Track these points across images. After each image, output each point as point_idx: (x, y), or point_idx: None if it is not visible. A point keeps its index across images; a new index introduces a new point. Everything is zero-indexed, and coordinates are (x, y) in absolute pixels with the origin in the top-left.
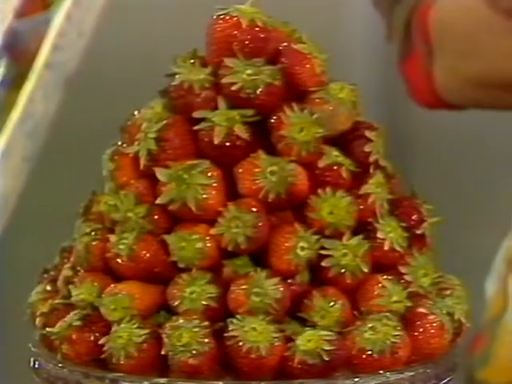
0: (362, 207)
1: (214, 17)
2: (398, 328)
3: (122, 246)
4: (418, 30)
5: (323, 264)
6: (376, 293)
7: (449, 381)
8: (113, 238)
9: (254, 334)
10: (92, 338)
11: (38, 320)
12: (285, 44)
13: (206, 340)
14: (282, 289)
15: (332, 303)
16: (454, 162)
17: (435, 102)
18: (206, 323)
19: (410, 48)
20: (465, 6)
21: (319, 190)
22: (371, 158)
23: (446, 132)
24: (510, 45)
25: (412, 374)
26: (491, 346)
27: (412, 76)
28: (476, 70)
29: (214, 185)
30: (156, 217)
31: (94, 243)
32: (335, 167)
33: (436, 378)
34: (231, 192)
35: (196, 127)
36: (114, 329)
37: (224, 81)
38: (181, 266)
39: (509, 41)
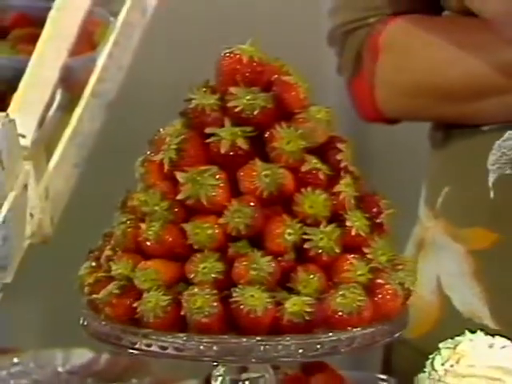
0: (335, 202)
1: (222, 54)
2: (363, 295)
3: (150, 232)
4: (368, 53)
5: (305, 246)
6: (346, 268)
7: (400, 334)
8: (143, 226)
9: (252, 300)
10: (128, 303)
11: (85, 289)
12: (276, 76)
13: (215, 304)
14: (273, 265)
15: (312, 276)
16: (399, 166)
17: (376, 116)
18: (215, 291)
19: (358, 70)
20: (405, 26)
21: (302, 189)
22: (342, 164)
23: (394, 144)
24: (441, 57)
25: (373, 329)
26: None
27: (358, 94)
28: (411, 81)
29: (221, 185)
30: (176, 210)
31: (128, 230)
32: (314, 171)
33: (391, 332)
34: (234, 190)
35: (207, 140)
36: (144, 295)
37: (229, 104)
38: (195, 247)
39: (441, 54)
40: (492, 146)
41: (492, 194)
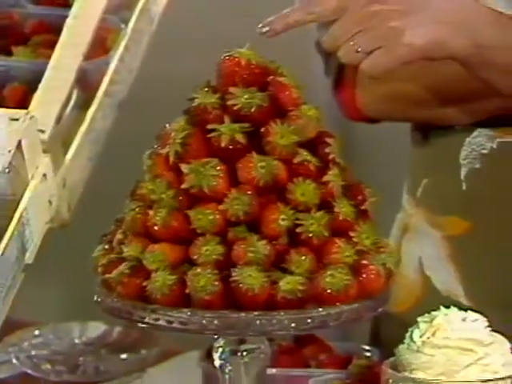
0: (324, 191)
1: (222, 57)
2: (349, 274)
3: (157, 218)
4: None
5: (297, 230)
6: (334, 250)
7: (382, 309)
8: (151, 212)
9: (249, 279)
10: (137, 282)
11: (99, 269)
12: (271, 77)
13: (216, 283)
14: (269, 248)
15: (304, 257)
16: (382, 158)
17: (358, 116)
18: (216, 271)
19: (341, 77)
20: None
21: (294, 179)
22: (330, 157)
23: (379, 139)
24: (411, 69)
25: (358, 305)
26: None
27: (342, 98)
28: (387, 89)
29: (221, 175)
30: (181, 198)
31: (138, 216)
32: (305, 163)
33: (374, 308)
34: (233, 180)
35: (209, 135)
36: (152, 275)
37: (228, 103)
38: (198, 231)
39: (411, 65)
40: (463, 142)
41: (464, 186)
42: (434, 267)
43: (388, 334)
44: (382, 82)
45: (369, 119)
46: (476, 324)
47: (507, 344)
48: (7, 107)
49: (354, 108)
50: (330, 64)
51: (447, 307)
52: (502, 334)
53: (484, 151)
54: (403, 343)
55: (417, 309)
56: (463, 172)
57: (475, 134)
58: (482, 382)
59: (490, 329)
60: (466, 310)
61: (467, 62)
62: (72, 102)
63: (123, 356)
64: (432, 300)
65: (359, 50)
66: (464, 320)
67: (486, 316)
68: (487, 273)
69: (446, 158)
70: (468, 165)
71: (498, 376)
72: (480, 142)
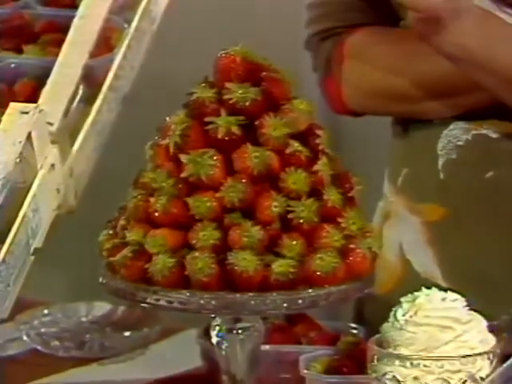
0: (313, 179)
1: (219, 55)
2: (337, 258)
3: (158, 205)
4: (335, 59)
5: (289, 216)
6: (323, 235)
7: (368, 290)
8: (152, 199)
9: (244, 262)
10: (140, 264)
11: (104, 253)
12: (265, 73)
13: (213, 266)
14: (262, 233)
15: (295, 242)
16: (366, 149)
17: (344, 110)
18: (213, 255)
19: (328, 73)
20: (365, 37)
21: (286, 168)
22: (320, 148)
23: (364, 131)
24: (392, 65)
25: (346, 287)
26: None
27: (329, 92)
28: (370, 84)
29: (218, 165)
30: (180, 186)
31: (140, 203)
32: (297, 153)
33: (361, 289)
34: (229, 169)
35: (206, 127)
36: (154, 258)
37: (225, 97)
38: (196, 218)
39: (392, 61)
40: (440, 134)
41: (441, 175)
42: (414, 251)
43: (371, 313)
44: (365, 77)
45: (354, 112)
46: (455, 303)
47: (483, 322)
48: (18, 101)
49: (340, 102)
50: (318, 60)
51: (428, 288)
52: (479, 313)
53: (460, 143)
54: (388, 322)
55: (398, 290)
56: (440, 162)
57: (451, 126)
58: (461, 357)
59: (467, 308)
60: (445, 291)
61: (455, 59)
62: (78, 97)
63: (127, 333)
64: (412, 282)
65: None
66: (444, 300)
67: (463, 296)
68: (463, 256)
69: (425, 149)
70: (445, 155)
71: (475, 352)
72: (456, 134)
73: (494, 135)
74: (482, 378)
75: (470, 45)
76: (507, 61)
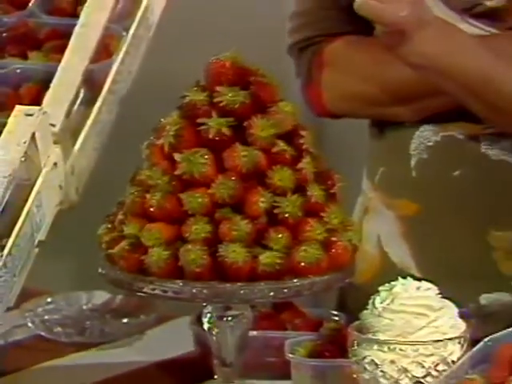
0: (298, 177)
1: (210, 60)
2: (320, 250)
3: (153, 201)
4: (316, 66)
5: (275, 211)
6: (307, 229)
7: (349, 280)
8: (148, 195)
9: (234, 254)
10: (136, 256)
11: (103, 245)
12: (253, 77)
13: (205, 257)
14: (250, 226)
15: (281, 235)
16: (347, 149)
17: (325, 113)
18: (205, 247)
19: (310, 79)
20: (342, 46)
21: (273, 166)
22: (304, 147)
23: (345, 132)
24: (365, 72)
25: (328, 277)
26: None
27: (310, 97)
28: (347, 90)
29: (209, 163)
30: (174, 183)
31: (137, 199)
32: (282, 152)
33: (342, 279)
34: (220, 167)
35: (198, 128)
36: (149, 251)
37: (215, 100)
38: (189, 212)
39: (366, 69)
40: (412, 136)
41: (414, 174)
42: (390, 244)
43: (352, 301)
44: (342, 83)
45: (333, 115)
46: (428, 292)
47: (454, 309)
48: (23, 104)
49: (320, 106)
50: (300, 67)
51: (404, 278)
52: (450, 300)
53: (430, 144)
54: (367, 309)
55: (376, 280)
56: (413, 161)
57: (422, 129)
58: (434, 342)
59: (439, 296)
60: (419, 281)
61: (419, 68)
62: (79, 99)
63: (125, 320)
64: (389, 272)
65: None
66: (418, 289)
67: (435, 285)
68: (434, 248)
69: (398, 149)
70: (417, 155)
71: (446, 337)
72: (426, 135)
73: (460, 136)
74: (453, 361)
75: (432, 54)
76: (466, 68)
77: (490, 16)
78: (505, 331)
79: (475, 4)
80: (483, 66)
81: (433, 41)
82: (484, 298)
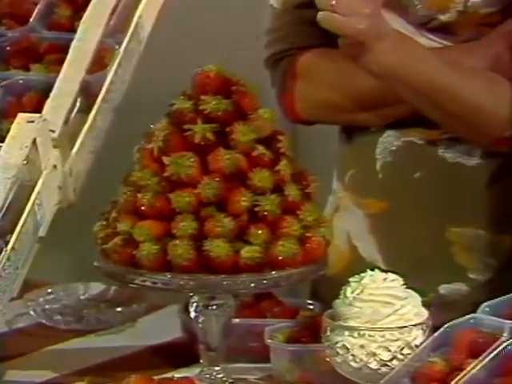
0: (276, 178)
1: (196, 71)
2: (296, 244)
3: (144, 200)
4: (289, 77)
5: (255, 209)
6: (284, 225)
7: (322, 272)
8: (140, 195)
9: (218, 248)
10: (129, 251)
11: (98, 241)
12: (235, 87)
13: (191, 252)
14: (233, 223)
15: (260, 231)
16: (319, 153)
17: (298, 120)
18: (192, 243)
19: (284, 88)
20: (312, 58)
21: (253, 168)
22: (281, 150)
23: (318, 137)
24: (334, 81)
25: (304, 269)
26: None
27: (285, 105)
28: (317, 98)
29: (195, 166)
30: (163, 183)
31: (129, 198)
32: (262, 156)
33: (316, 271)
34: (205, 169)
35: (185, 134)
36: (140, 246)
37: (200, 108)
38: (177, 211)
39: (333, 78)
40: (377, 141)
41: (380, 175)
42: (359, 239)
43: (324, 291)
44: (313, 92)
45: (306, 122)
46: (394, 283)
47: (418, 298)
48: (25, 112)
49: (294, 113)
50: (275, 78)
51: (372, 270)
52: (414, 290)
53: (393, 148)
54: (339, 298)
55: (346, 272)
56: (378, 164)
57: (386, 134)
58: (399, 328)
59: (404, 287)
60: (386, 272)
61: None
62: (77, 108)
63: (118, 309)
64: (358, 265)
65: None
66: (385, 280)
67: (400, 277)
68: (399, 243)
69: (365, 153)
70: (382, 159)
71: (411, 323)
72: (390, 140)
73: (420, 141)
74: (416, 346)
75: (389, 63)
76: (422, 77)
77: (444, 30)
78: (462, 318)
79: (431, 19)
80: (437, 75)
81: (390, 51)
82: (443, 288)
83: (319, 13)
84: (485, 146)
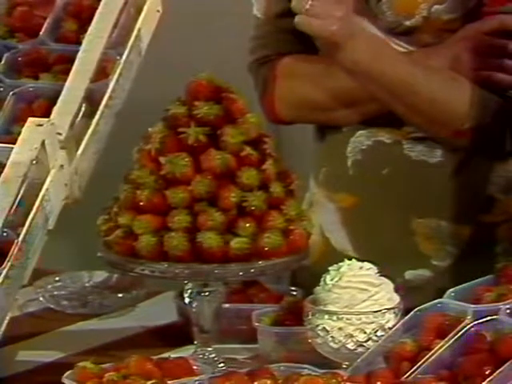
0: (263, 176)
1: (190, 80)
2: (281, 236)
3: (143, 196)
4: (270, 80)
5: (243, 204)
6: (270, 219)
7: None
8: (138, 192)
9: (210, 240)
10: (129, 242)
11: (101, 233)
12: (225, 93)
13: (186, 243)
14: (223, 217)
15: (248, 224)
16: (299, 152)
17: (278, 120)
18: (186, 234)
19: (265, 91)
20: (291, 62)
21: (242, 167)
22: (267, 151)
23: (299, 138)
24: (311, 83)
25: (288, 259)
26: None
27: (266, 106)
28: (296, 99)
29: (189, 165)
30: (160, 181)
31: (129, 195)
32: (249, 156)
33: (299, 261)
34: (198, 168)
35: (180, 136)
36: (139, 238)
37: (194, 113)
38: (172, 206)
39: (311, 80)
40: (349, 140)
41: (351, 172)
42: (332, 231)
43: (300, 278)
44: (292, 93)
45: (285, 122)
46: (369, 271)
47: (391, 285)
48: (35, 116)
49: (274, 113)
50: (257, 81)
51: (350, 259)
52: (387, 277)
53: (363, 147)
54: (319, 285)
55: (320, 262)
56: (349, 162)
57: (357, 134)
58: (373, 312)
59: (378, 274)
60: (363, 261)
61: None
62: (81, 113)
63: (120, 295)
64: (331, 255)
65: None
66: (361, 268)
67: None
68: (368, 234)
69: (337, 152)
70: (352, 157)
71: (384, 307)
72: (360, 140)
73: (388, 141)
74: (389, 328)
75: (362, 60)
76: (390, 74)
77: (408, 34)
78: (430, 303)
79: (398, 24)
80: (404, 72)
81: (362, 49)
82: (408, 274)
83: (296, 16)
84: (446, 139)
